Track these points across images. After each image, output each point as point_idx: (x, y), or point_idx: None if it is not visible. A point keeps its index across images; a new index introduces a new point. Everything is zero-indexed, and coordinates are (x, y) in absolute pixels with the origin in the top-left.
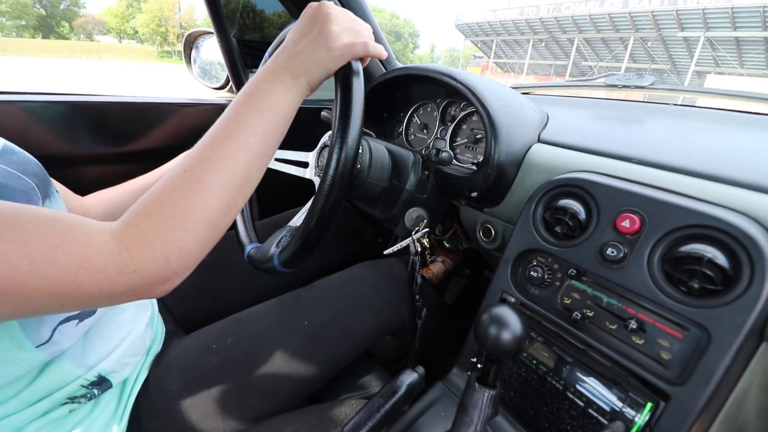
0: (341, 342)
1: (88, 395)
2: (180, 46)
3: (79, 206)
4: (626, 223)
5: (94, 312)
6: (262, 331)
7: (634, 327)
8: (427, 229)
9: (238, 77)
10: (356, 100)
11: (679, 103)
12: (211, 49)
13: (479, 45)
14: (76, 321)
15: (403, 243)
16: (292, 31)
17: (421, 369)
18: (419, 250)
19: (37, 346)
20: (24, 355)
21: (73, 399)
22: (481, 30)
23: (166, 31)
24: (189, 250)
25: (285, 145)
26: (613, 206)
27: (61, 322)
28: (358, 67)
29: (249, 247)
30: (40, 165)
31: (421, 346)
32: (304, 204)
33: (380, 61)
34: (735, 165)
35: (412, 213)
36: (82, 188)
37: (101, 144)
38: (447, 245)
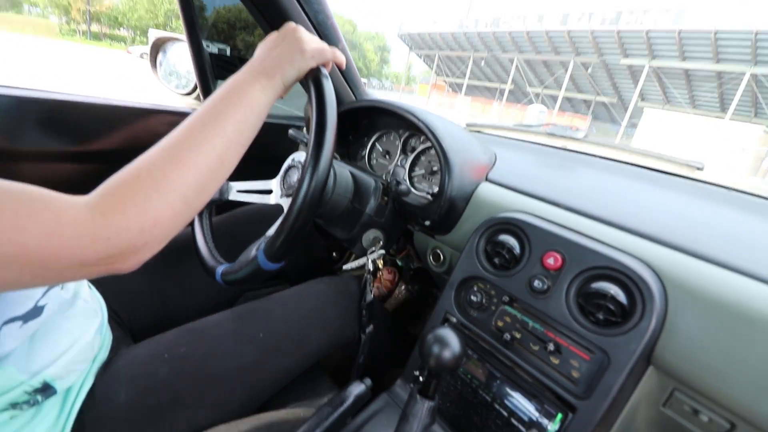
0: (294, 354)
1: (31, 401)
2: (85, 27)
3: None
4: (551, 260)
5: (39, 314)
6: (217, 341)
7: (552, 349)
8: (382, 251)
9: (206, 85)
10: (330, 112)
11: (606, 156)
12: (178, 55)
13: (424, 59)
14: (20, 322)
15: (361, 261)
16: (263, 43)
17: (368, 381)
18: (372, 269)
19: None
20: None
21: (14, 405)
22: (423, 42)
23: (68, 5)
24: (163, 220)
25: (247, 174)
26: (541, 245)
27: (6, 322)
28: (326, 72)
29: (220, 268)
30: None
31: (367, 359)
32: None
33: (351, 89)
34: (639, 217)
35: (370, 234)
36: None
37: (51, 142)
38: (400, 264)
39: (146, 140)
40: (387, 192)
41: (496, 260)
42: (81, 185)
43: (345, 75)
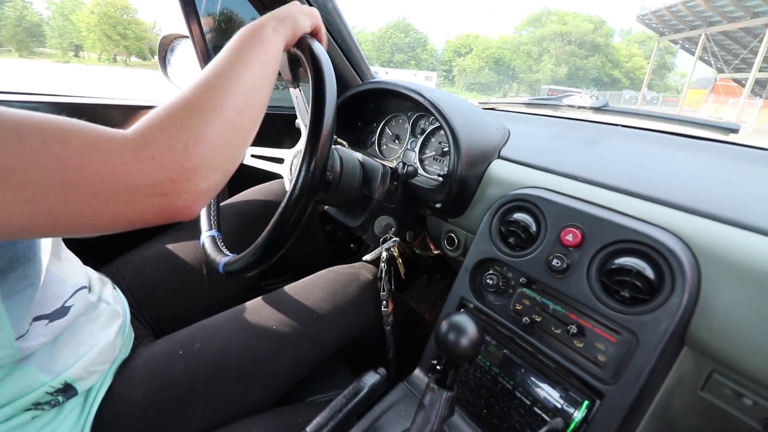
0: (308, 344)
1: (52, 402)
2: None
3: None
4: (569, 237)
5: (65, 314)
6: (230, 336)
7: (575, 331)
8: (396, 238)
9: None
10: (329, 95)
11: (631, 125)
12: (185, 53)
13: (681, 45)
14: (47, 321)
15: (378, 251)
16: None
17: (382, 370)
18: (387, 257)
19: (17, 338)
20: (2, 352)
21: (37, 405)
22: (680, 20)
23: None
24: (207, 139)
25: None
26: (558, 221)
27: (35, 319)
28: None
29: (224, 260)
30: None
31: (386, 349)
32: None
33: (356, 72)
34: (666, 185)
35: (381, 221)
36: None
37: None
38: (417, 251)
39: None
40: (395, 176)
41: (512, 240)
42: None
43: (349, 58)
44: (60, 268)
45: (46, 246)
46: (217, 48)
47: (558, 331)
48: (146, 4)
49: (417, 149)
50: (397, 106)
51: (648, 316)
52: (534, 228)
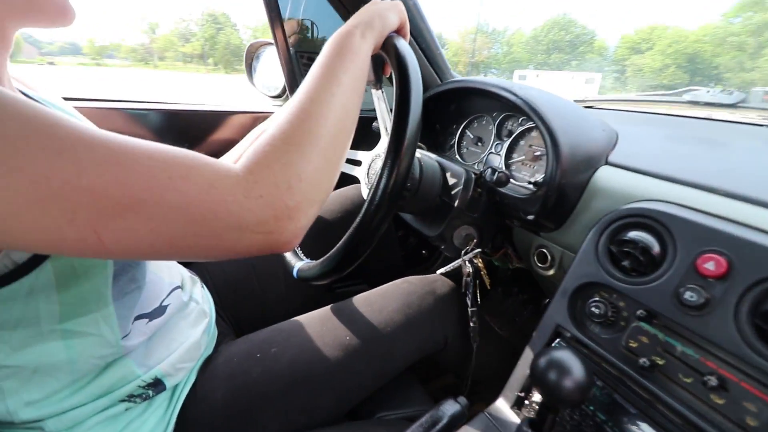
0: (381, 359)
1: (144, 395)
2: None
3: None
4: (710, 265)
5: (163, 313)
6: (305, 343)
7: (714, 384)
8: (478, 249)
9: (294, 85)
10: (414, 75)
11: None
12: (269, 60)
13: None
14: (147, 319)
15: (456, 263)
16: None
17: (463, 400)
18: (471, 271)
19: (122, 338)
20: (108, 351)
21: (130, 398)
22: None
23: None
24: (306, 174)
25: None
26: (694, 244)
27: (136, 318)
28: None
29: (299, 264)
30: None
31: (465, 371)
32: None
33: (435, 72)
34: None
35: (462, 231)
36: None
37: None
38: (496, 264)
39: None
40: (480, 183)
41: (626, 263)
42: None
43: (429, 58)
44: (159, 267)
45: None
46: (300, 54)
47: (689, 381)
48: None
49: (503, 153)
50: (481, 107)
51: None
52: (657, 250)
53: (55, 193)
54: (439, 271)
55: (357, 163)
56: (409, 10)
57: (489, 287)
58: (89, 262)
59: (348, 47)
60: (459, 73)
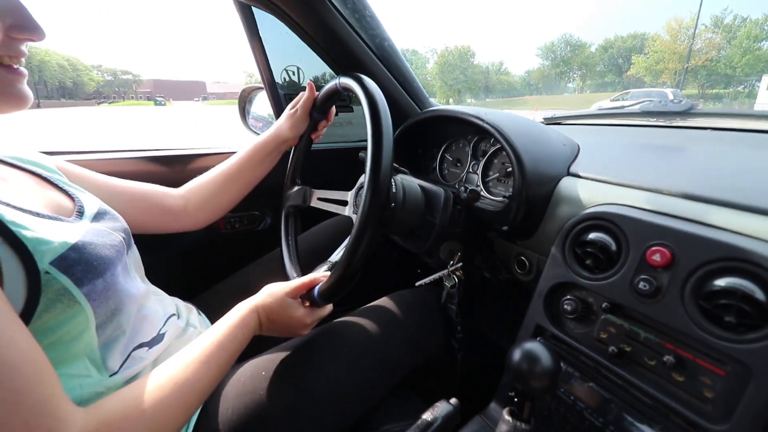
0: (378, 369)
1: None
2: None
3: (180, 198)
4: (657, 257)
5: (161, 340)
6: (307, 359)
7: (673, 363)
8: (460, 263)
9: None
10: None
11: (717, 127)
12: (261, 103)
13: None
14: (147, 348)
15: (435, 275)
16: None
17: (455, 400)
18: (455, 282)
19: (120, 365)
20: (105, 383)
21: None
22: None
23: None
24: None
25: (325, 185)
26: (643, 239)
27: (135, 348)
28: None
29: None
30: (125, 222)
31: (458, 377)
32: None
33: (414, 102)
34: None
35: (447, 246)
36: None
37: None
38: (486, 275)
39: None
40: (458, 200)
41: (589, 262)
42: None
43: (406, 88)
44: (153, 302)
45: (140, 291)
46: (287, 95)
47: (653, 363)
48: None
49: (480, 171)
50: (456, 131)
51: (760, 344)
52: (614, 248)
53: None
54: (417, 283)
55: (343, 203)
56: (384, 50)
57: (463, 298)
58: (75, 331)
59: (242, 339)
60: (664, 84)
